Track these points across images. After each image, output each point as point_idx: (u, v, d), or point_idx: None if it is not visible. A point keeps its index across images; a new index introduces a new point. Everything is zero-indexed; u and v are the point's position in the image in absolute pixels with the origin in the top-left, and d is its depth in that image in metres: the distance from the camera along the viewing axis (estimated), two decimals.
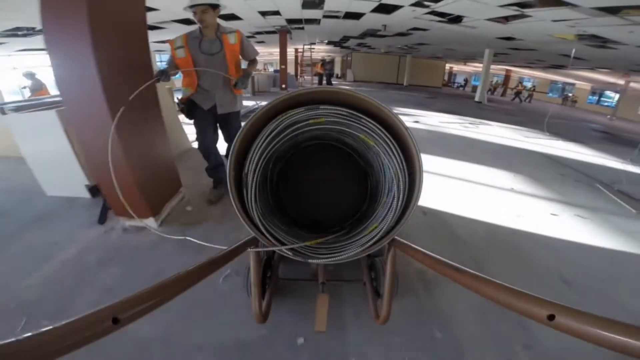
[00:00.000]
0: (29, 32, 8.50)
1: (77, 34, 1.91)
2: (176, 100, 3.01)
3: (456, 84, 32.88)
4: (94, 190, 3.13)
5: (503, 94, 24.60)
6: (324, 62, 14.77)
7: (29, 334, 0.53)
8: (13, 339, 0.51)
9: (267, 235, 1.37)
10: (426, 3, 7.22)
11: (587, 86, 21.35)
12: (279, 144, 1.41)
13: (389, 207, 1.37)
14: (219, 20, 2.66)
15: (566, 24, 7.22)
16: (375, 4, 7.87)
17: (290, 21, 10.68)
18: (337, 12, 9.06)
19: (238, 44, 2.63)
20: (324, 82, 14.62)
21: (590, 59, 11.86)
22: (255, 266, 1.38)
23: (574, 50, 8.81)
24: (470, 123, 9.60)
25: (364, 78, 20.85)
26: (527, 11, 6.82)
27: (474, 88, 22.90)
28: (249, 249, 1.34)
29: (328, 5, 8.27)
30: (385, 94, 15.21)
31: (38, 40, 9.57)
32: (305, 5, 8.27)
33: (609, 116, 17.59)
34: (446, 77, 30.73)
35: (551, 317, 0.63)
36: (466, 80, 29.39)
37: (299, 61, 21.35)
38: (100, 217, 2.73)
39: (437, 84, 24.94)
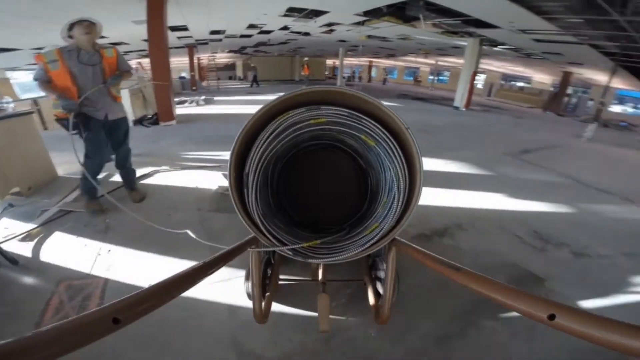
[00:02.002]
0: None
1: None
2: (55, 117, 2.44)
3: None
4: None
5: (369, 81, 27.85)
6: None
7: (29, 333, 0.47)
8: (13, 339, 0.45)
9: (268, 235, 1.22)
10: (288, 26, 9.85)
11: (427, 68, 25.29)
12: (279, 144, 1.26)
13: (389, 207, 1.21)
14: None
15: (354, 32, 9.97)
16: (258, 30, 10.64)
17: (197, 40, 12.57)
18: (235, 35, 11.52)
19: (115, 57, 2.53)
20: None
21: (399, 49, 15.07)
22: (256, 266, 1.22)
23: (361, 46, 11.86)
24: None
25: (264, 77, 20.57)
26: (332, 27, 9.60)
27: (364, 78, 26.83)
28: (250, 249, 1.18)
29: (228, 32, 10.93)
30: (274, 87, 16.32)
31: None
32: (212, 32, 10.80)
33: (430, 87, 20.48)
34: (331, 71, 32.22)
35: (551, 317, 0.55)
36: (354, 72, 30.55)
37: (201, 67, 20.14)
38: None
39: (322, 77, 27.01)
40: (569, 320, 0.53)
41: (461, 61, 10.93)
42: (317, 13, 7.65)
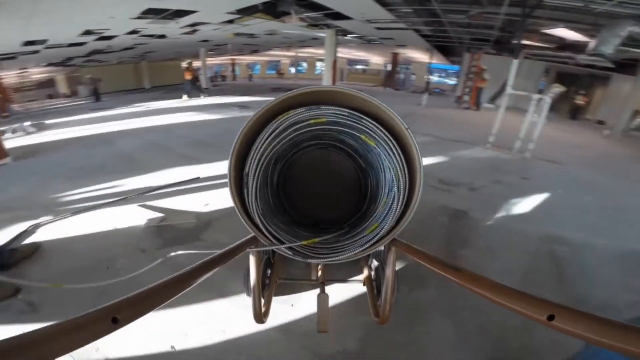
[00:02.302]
0: None
1: None
2: None
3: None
4: None
5: (234, 79, 26.36)
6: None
7: (29, 331, 0.49)
8: (13, 336, 0.47)
9: (268, 234, 1.20)
10: (138, 30, 8.46)
11: (287, 60, 25.88)
12: (279, 144, 1.22)
13: (389, 208, 1.20)
14: None
15: (221, 30, 9.85)
16: (97, 37, 8.62)
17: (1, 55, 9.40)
18: (60, 44, 9.05)
19: None
20: None
21: (264, 44, 15.11)
22: (256, 266, 1.20)
23: (230, 45, 12.02)
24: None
25: (104, 90, 16.36)
26: (197, 27, 9.04)
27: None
28: (249, 249, 1.16)
29: (51, 42, 8.36)
30: (121, 98, 13.34)
31: None
32: (26, 44, 8.01)
33: (293, 78, 21.33)
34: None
35: (551, 318, 0.55)
36: (215, 72, 27.72)
37: (4, 88, 14.79)
38: None
39: (178, 81, 22.95)
40: (567, 321, 0.53)
41: (317, 51, 11.86)
42: (180, 13, 6.88)
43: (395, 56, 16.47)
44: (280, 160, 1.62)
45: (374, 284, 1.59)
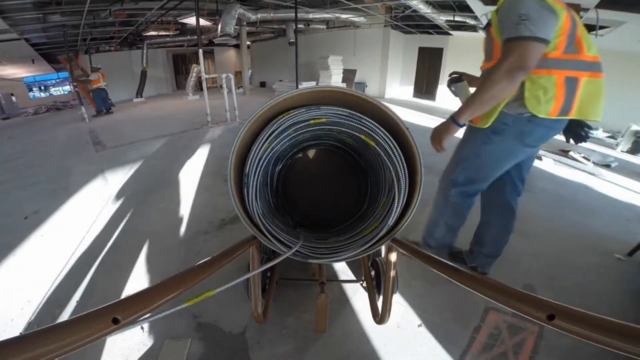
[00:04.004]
0: None
1: None
2: None
3: None
4: None
5: None
6: None
7: (28, 332, 0.48)
8: (11, 337, 0.45)
9: (268, 235, 1.19)
10: None
11: None
12: (279, 144, 1.23)
13: (389, 208, 1.19)
14: None
15: None
16: None
17: None
18: None
19: None
20: None
21: None
22: (256, 266, 1.21)
23: None
24: None
25: None
26: None
27: None
28: (250, 249, 1.17)
29: None
30: None
31: None
32: None
33: None
34: None
35: (551, 317, 0.55)
36: None
37: None
38: None
39: None
40: (568, 321, 0.53)
41: None
42: None
43: None
44: (280, 161, 1.62)
45: (374, 284, 1.58)
